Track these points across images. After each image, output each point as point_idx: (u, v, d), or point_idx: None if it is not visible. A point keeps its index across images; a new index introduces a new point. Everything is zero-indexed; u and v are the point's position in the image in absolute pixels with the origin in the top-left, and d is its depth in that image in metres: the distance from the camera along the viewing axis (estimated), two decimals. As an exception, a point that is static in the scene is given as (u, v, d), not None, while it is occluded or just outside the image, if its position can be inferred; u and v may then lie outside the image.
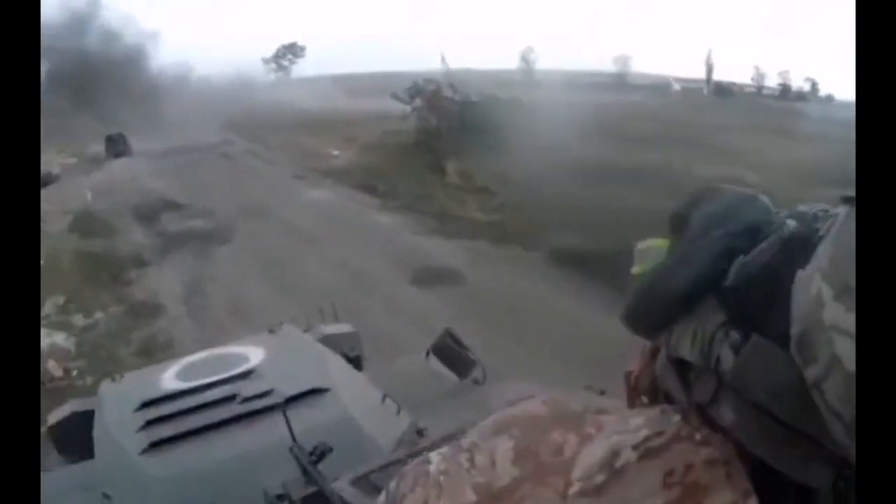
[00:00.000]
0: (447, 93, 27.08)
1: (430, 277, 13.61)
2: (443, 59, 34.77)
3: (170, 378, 3.37)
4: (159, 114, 38.63)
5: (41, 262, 18.62)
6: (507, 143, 23.21)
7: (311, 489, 2.26)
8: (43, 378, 10.42)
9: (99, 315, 14.80)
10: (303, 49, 58.88)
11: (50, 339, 13.35)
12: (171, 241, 18.65)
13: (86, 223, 21.68)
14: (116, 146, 34.65)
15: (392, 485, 0.85)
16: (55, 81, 43.69)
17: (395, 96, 28.10)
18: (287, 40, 58.58)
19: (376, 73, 49.53)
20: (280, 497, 2.32)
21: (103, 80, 42.59)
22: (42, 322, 14.48)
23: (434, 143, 25.08)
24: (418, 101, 27.05)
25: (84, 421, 3.38)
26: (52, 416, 3.77)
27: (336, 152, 28.14)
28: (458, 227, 17.56)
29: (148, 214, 21.58)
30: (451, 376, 3.68)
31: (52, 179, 29.20)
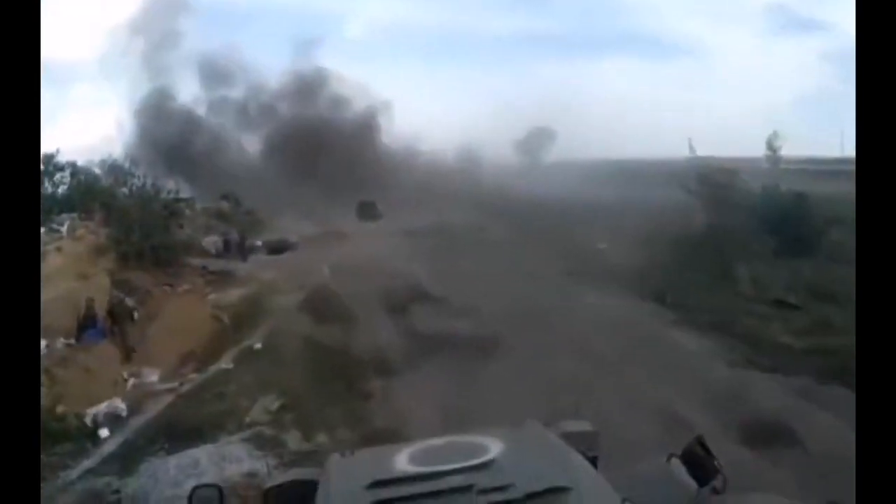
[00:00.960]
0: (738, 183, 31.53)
1: (762, 435, 13.78)
2: (690, 146, 40.09)
3: (403, 460, 4.12)
4: (394, 188, 44.85)
5: (258, 344, 19.90)
6: (804, 245, 26.02)
7: None
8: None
9: (322, 439, 14.41)
10: (553, 134, 72.50)
11: (245, 463, 12.89)
12: (424, 344, 19.17)
13: (322, 304, 23.03)
14: (370, 212, 38.87)
15: None
16: (275, 147, 52.18)
17: (684, 185, 31.92)
18: (538, 123, 72.62)
19: (623, 160, 58.76)
20: None
21: (331, 149, 50.56)
22: (244, 432, 14.46)
23: (723, 243, 28.16)
24: (709, 194, 31.25)
25: (303, 490, 4.54)
26: (272, 480, 5.51)
27: (602, 245, 31.89)
28: (772, 357, 18.65)
29: (396, 305, 22.86)
30: (690, 483, 4.62)
31: (288, 247, 32.68)
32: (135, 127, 51.25)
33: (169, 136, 48.87)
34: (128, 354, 18.12)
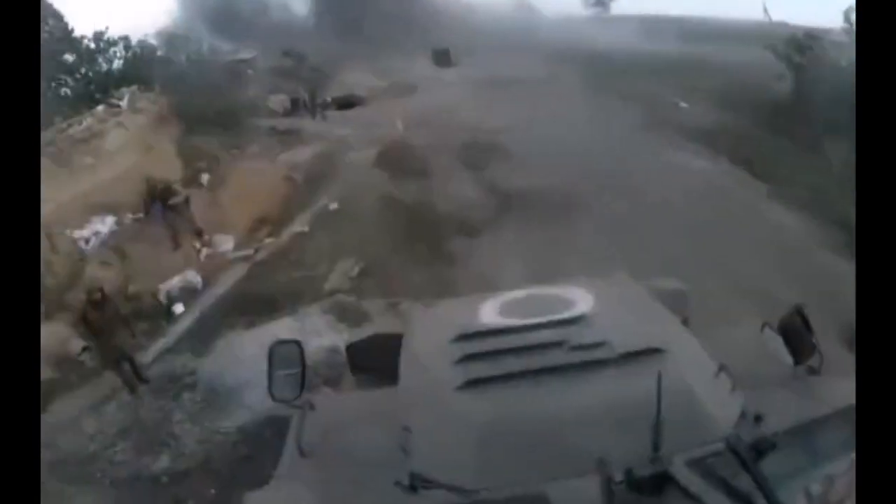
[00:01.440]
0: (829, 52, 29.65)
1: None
2: (765, 10, 40.38)
3: (490, 312, 4.02)
4: (454, 38, 43.34)
5: (334, 204, 18.98)
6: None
7: (657, 469, 2.80)
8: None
9: (405, 304, 13.52)
10: None
11: (325, 336, 12.07)
12: (505, 202, 18.75)
13: (397, 160, 22.06)
14: (445, 59, 38.02)
15: (816, 488, 1.46)
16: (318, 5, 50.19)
17: (771, 48, 30.44)
18: None
19: (696, 17, 56.56)
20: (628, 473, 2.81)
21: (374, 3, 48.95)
22: (323, 301, 13.64)
23: (811, 114, 26.24)
24: (797, 58, 29.78)
25: (386, 344, 4.48)
26: (351, 337, 5.85)
27: (683, 104, 30.55)
28: None
29: (473, 160, 21.86)
30: (786, 358, 4.17)
31: (356, 101, 31.46)
32: None
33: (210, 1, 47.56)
34: (176, 242, 17.24)
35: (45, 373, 12.35)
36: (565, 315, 3.82)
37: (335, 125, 27.49)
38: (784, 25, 36.75)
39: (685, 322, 4.55)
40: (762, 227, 17.63)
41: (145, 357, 12.61)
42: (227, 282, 15.91)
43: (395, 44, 41.05)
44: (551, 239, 16.04)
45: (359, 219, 17.98)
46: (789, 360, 4.19)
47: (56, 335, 12.86)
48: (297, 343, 4.65)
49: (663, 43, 42.81)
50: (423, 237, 16.85)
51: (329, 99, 32.08)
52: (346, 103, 31.56)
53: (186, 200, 17.98)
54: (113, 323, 11.38)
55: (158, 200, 17.74)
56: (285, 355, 4.59)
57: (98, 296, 11.30)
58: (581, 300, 3.99)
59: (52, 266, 15.51)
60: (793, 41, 30.39)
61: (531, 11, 55.65)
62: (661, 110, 28.73)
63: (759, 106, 27.64)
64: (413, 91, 33.76)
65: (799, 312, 4.34)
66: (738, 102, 28.12)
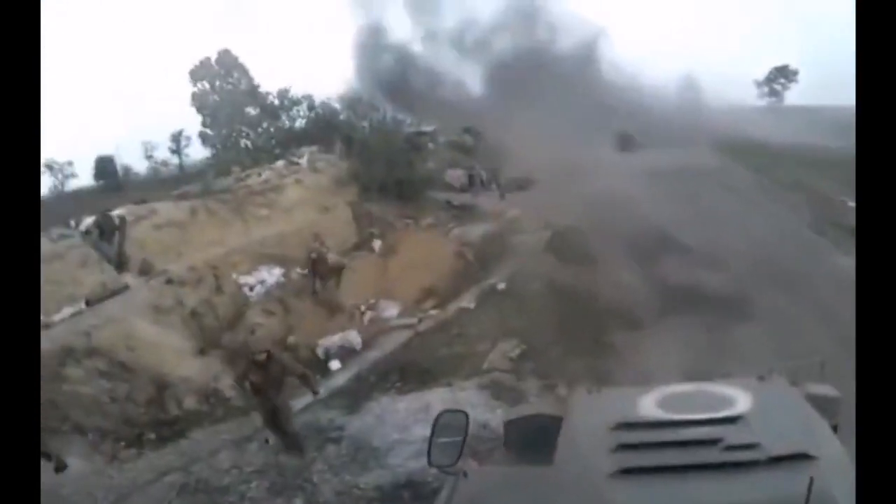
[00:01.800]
0: None
1: None
2: None
3: (650, 404, 4.19)
4: (627, 123, 44.18)
5: (502, 284, 19.25)
6: None
7: None
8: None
9: (561, 391, 13.47)
10: (795, 73, 71.71)
11: (479, 411, 12.05)
12: (672, 297, 18.43)
13: (567, 245, 22.32)
14: (629, 143, 39.04)
15: None
16: (493, 78, 51.52)
17: None
18: (778, 62, 71.88)
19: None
20: None
21: (550, 77, 49.70)
22: (481, 377, 13.77)
23: None
24: None
25: (544, 424, 4.88)
26: (511, 413, 6.39)
27: (851, 203, 28.05)
28: None
29: (645, 252, 21.67)
30: None
31: (531, 183, 31.96)
32: (353, 64, 52.89)
33: (386, 72, 49.87)
34: (332, 311, 17.83)
35: (191, 403, 13.12)
36: (723, 414, 3.98)
37: (509, 205, 27.92)
38: None
39: (835, 429, 4.60)
40: None
41: (296, 406, 13.06)
42: (386, 347, 16.29)
43: (570, 126, 41.92)
44: (714, 336, 15.90)
45: (524, 301, 18.13)
46: None
47: (209, 370, 13.64)
48: (465, 413, 4.95)
49: (837, 136, 42.29)
50: (586, 325, 16.84)
51: (504, 179, 32.71)
52: (521, 184, 32.04)
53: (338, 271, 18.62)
54: (277, 383, 10.98)
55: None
56: (450, 423, 4.89)
57: (263, 357, 10.64)
58: (740, 400, 4.15)
59: (215, 306, 16.53)
60: None
61: (699, 95, 56.48)
62: (830, 209, 28.22)
63: None
64: (587, 176, 34.12)
65: None
66: None
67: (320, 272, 18.43)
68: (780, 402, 4.34)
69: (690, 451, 3.66)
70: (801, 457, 3.54)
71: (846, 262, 20.63)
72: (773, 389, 4.54)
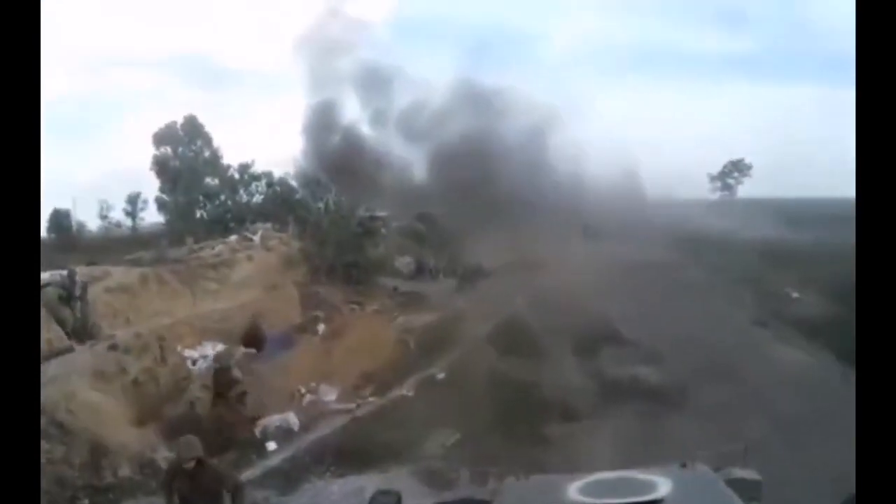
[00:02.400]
0: None
1: None
2: None
3: (575, 491, 4.63)
4: (579, 215, 44.60)
5: (441, 374, 19.53)
6: None
7: None
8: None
9: (492, 482, 13.78)
10: (749, 167, 73.65)
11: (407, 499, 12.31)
12: (610, 390, 18.94)
13: (509, 337, 22.81)
14: (592, 233, 39.87)
15: None
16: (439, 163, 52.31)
17: None
18: (733, 156, 73.47)
19: (822, 199, 60.13)
20: None
21: (497, 163, 50.56)
22: (415, 464, 14.03)
23: None
24: None
25: None
26: (442, 498, 7.47)
27: (795, 294, 30.78)
28: None
29: (585, 345, 22.34)
30: None
31: (482, 273, 32.48)
32: (304, 142, 52.99)
33: (334, 152, 50.06)
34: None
35: (126, 472, 13.12)
36: (644, 498, 4.33)
37: (456, 295, 28.36)
38: None
39: None
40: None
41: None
42: (323, 430, 16.41)
43: (522, 219, 42.51)
44: (648, 427, 16.28)
45: (463, 391, 18.39)
46: None
47: (146, 440, 13.68)
48: (398, 495, 5.46)
49: (795, 229, 44.44)
50: (523, 416, 17.12)
51: (460, 268, 33.15)
52: (471, 274, 32.48)
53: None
54: (208, 496, 8.59)
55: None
56: (383, 503, 5.34)
57: (191, 465, 8.40)
58: (661, 485, 4.51)
59: (158, 376, 16.59)
60: None
61: (667, 193, 57.43)
62: (775, 301, 29.33)
63: None
64: (539, 269, 34.78)
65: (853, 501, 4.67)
66: (844, 294, 27.61)
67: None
68: (699, 487, 4.73)
69: None
70: None
71: (784, 353, 22.53)
72: (694, 475, 4.96)
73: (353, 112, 54.65)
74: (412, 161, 53.10)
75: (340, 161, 46.57)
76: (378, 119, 54.35)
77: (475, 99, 55.38)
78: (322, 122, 51.98)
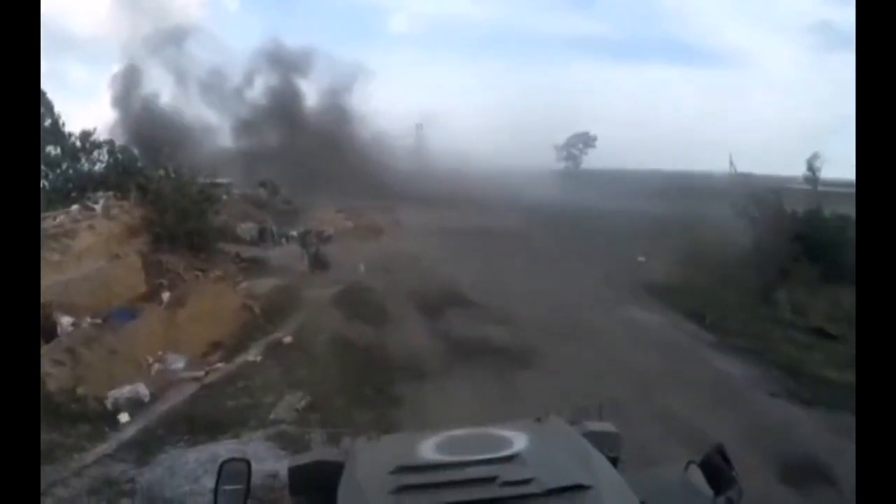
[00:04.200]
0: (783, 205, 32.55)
1: (798, 472, 13.81)
2: (731, 162, 41.41)
3: (429, 448, 4.44)
4: (428, 188, 45.71)
5: (288, 338, 19.84)
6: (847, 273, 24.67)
7: None
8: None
9: (346, 441, 14.21)
10: (594, 139, 76.12)
11: (267, 462, 12.57)
12: (457, 350, 19.35)
13: (355, 301, 23.27)
14: None
15: None
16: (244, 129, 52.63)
17: (731, 203, 32.76)
18: (578, 128, 75.66)
19: (663, 171, 61.68)
20: None
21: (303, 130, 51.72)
22: (268, 429, 14.33)
23: (765, 265, 29.05)
24: (756, 213, 32.30)
25: (327, 470, 4.85)
26: (295, 460, 5.80)
27: (642, 258, 33.06)
28: (814, 390, 18.49)
29: (431, 307, 23.03)
30: (706, 491, 4.80)
31: (323, 239, 32.80)
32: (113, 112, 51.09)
33: (137, 121, 48.60)
34: None
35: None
36: (499, 454, 4.20)
37: (298, 260, 28.58)
38: (748, 176, 39.61)
39: (615, 462, 5.04)
40: (705, 376, 18.69)
41: (86, 458, 13.11)
42: (174, 399, 16.40)
43: (363, 190, 42.76)
44: (498, 385, 16.82)
45: (311, 355, 18.78)
46: (709, 492, 4.77)
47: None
48: (247, 462, 5.17)
49: (637, 198, 46.17)
50: (372, 379, 17.45)
51: (295, 233, 33.28)
52: (312, 238, 32.70)
53: None
54: None
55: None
56: (234, 471, 5.08)
57: None
58: (516, 440, 4.39)
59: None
60: (753, 195, 32.47)
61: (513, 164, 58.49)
62: (622, 266, 30.77)
63: (716, 261, 29.36)
64: (379, 234, 35.25)
65: (719, 450, 5.01)
66: (697, 257, 29.82)
67: None
68: (555, 441, 4.62)
69: (468, 489, 3.86)
70: (577, 488, 3.83)
71: (634, 314, 23.97)
72: (550, 429, 4.87)
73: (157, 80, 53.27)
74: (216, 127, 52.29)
75: (143, 130, 45.16)
76: (180, 84, 53.02)
77: (275, 60, 54.91)
78: (125, 91, 50.27)
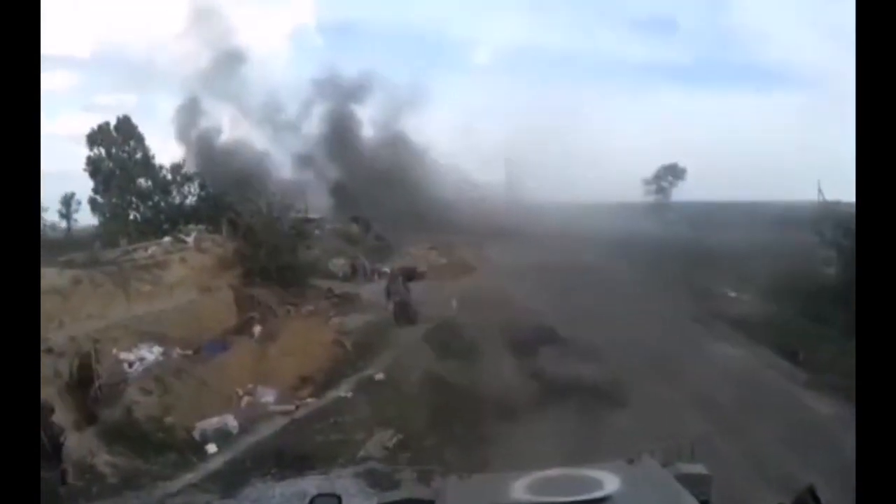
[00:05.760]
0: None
1: None
2: (819, 190, 41.05)
3: (521, 488, 4.44)
4: (520, 225, 45.09)
5: (380, 375, 19.46)
6: None
7: None
8: None
9: (436, 480, 13.76)
10: (684, 171, 72.50)
11: (354, 499, 12.14)
12: (548, 388, 18.82)
13: (446, 338, 22.79)
14: None
15: None
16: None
17: (819, 233, 31.76)
18: (667, 159, 72.74)
19: (752, 202, 60.30)
20: None
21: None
22: (357, 466, 13.93)
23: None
24: (845, 242, 29.72)
25: None
26: (384, 497, 6.59)
27: (733, 294, 32.02)
28: None
29: (522, 343, 22.34)
30: None
31: (416, 276, 32.50)
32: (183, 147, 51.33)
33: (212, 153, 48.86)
34: None
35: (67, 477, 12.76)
36: (591, 496, 4.20)
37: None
38: (838, 204, 38.31)
39: None
40: (796, 415, 17.84)
41: (170, 487, 12.91)
42: (263, 432, 16.17)
43: (454, 226, 42.66)
44: (589, 424, 16.26)
45: (402, 391, 18.38)
46: None
47: (87, 445, 13.32)
48: (337, 497, 5.16)
49: (725, 230, 44.74)
50: (463, 417, 17.03)
51: (388, 269, 33.09)
52: (405, 276, 32.45)
53: None
54: None
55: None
56: None
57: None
58: (608, 482, 4.38)
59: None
60: (840, 224, 30.59)
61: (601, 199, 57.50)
62: (711, 300, 29.88)
63: (805, 293, 28.21)
64: (470, 271, 34.89)
65: (811, 491, 4.72)
66: (785, 290, 28.87)
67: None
68: (648, 482, 4.61)
69: None
70: None
71: (725, 350, 22.89)
72: (642, 471, 4.83)
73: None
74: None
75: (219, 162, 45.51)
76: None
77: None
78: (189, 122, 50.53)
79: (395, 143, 52.84)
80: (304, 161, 51.53)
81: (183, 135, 47.24)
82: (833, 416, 17.83)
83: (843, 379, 19.85)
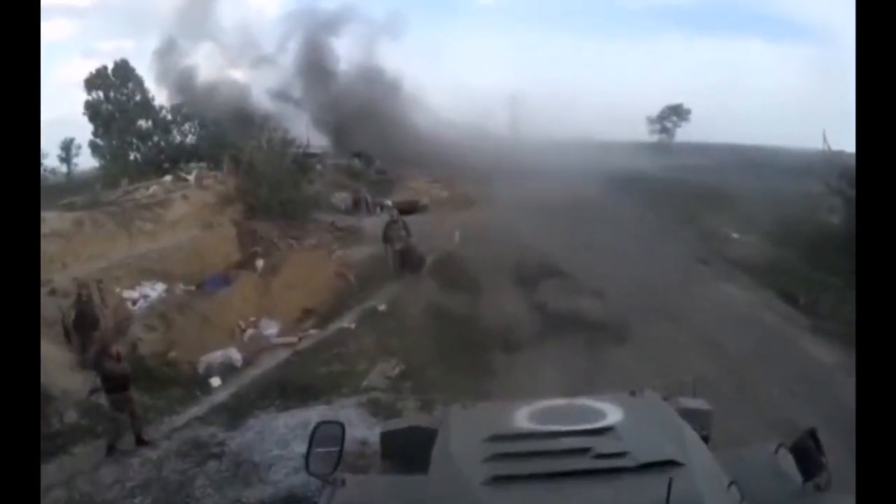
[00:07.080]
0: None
1: None
2: (824, 139, 40.63)
3: (523, 417, 4.50)
4: (524, 158, 45.21)
5: (382, 306, 19.58)
6: None
7: None
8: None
9: (439, 409, 13.88)
10: (688, 112, 72.13)
11: (358, 429, 12.22)
12: (550, 321, 18.87)
13: (449, 270, 22.89)
14: None
15: None
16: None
17: (824, 181, 30.85)
18: (672, 101, 71.90)
19: (756, 146, 59.57)
20: None
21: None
22: (360, 396, 14.07)
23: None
24: (850, 191, 28.92)
25: (420, 436, 5.16)
26: (388, 424, 6.80)
27: (735, 235, 31.54)
28: None
29: (525, 277, 22.44)
30: (796, 476, 4.72)
31: (418, 208, 32.51)
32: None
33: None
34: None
35: (72, 417, 12.96)
36: (594, 425, 4.24)
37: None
38: (842, 154, 38.07)
39: (706, 440, 5.07)
40: (798, 359, 17.81)
41: (176, 421, 13.11)
42: (266, 364, 16.37)
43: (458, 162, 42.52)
44: (591, 358, 16.31)
45: (405, 323, 18.51)
46: (799, 477, 4.66)
47: (90, 383, 13.51)
48: (340, 425, 5.14)
49: (730, 173, 44.78)
50: (466, 348, 17.07)
51: (391, 202, 33.04)
52: (407, 209, 32.39)
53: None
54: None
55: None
56: (327, 434, 5.07)
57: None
58: (611, 413, 4.43)
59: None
60: (846, 173, 29.79)
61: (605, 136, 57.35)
62: (715, 241, 29.79)
63: (809, 239, 28.26)
64: (472, 205, 34.83)
65: (812, 435, 4.84)
66: (790, 235, 28.93)
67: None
68: (650, 415, 4.67)
69: (561, 459, 3.89)
70: (670, 463, 3.82)
71: (727, 289, 22.86)
72: (644, 403, 4.90)
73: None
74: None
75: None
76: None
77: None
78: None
79: (397, 87, 52.29)
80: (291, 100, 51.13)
81: (163, 76, 47.03)
82: (830, 360, 18.08)
83: (842, 326, 19.65)
